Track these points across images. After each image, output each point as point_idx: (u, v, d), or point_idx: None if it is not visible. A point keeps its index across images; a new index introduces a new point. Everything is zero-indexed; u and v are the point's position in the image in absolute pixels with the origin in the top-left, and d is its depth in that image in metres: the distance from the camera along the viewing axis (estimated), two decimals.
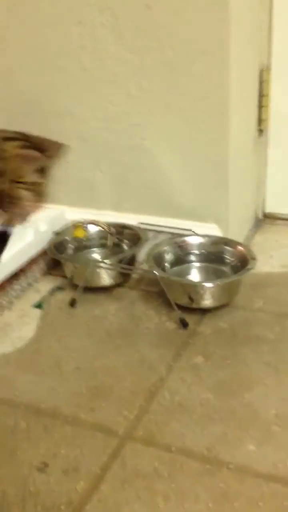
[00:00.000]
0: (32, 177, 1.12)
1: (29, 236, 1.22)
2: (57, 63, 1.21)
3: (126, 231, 1.26)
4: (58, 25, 1.17)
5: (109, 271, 1.16)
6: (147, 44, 1.11)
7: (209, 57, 1.07)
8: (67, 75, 1.21)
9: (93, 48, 1.16)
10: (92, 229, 1.28)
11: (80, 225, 1.26)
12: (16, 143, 1.07)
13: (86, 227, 1.27)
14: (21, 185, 1.06)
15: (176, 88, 1.12)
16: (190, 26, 1.06)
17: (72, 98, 1.23)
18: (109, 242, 1.25)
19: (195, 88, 1.11)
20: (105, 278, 1.17)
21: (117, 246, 1.26)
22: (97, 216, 1.30)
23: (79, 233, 1.27)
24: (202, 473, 0.77)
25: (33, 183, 1.10)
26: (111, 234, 1.24)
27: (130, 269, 1.17)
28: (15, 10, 1.19)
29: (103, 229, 1.25)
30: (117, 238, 1.26)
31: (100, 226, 1.25)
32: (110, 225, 1.27)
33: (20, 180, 1.07)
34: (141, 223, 1.25)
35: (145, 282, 1.21)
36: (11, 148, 1.07)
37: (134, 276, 1.21)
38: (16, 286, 1.20)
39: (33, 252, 1.23)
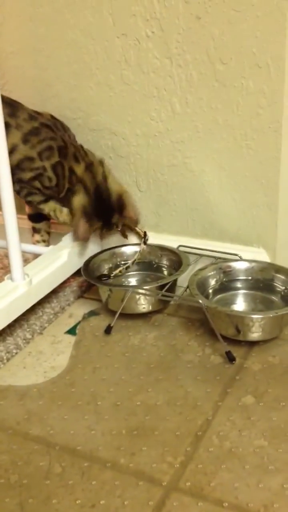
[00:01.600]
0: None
1: (63, 258, 1.16)
2: (97, 77, 1.15)
3: (166, 254, 1.19)
4: (100, 37, 1.11)
5: (148, 298, 1.09)
6: (196, 58, 1.04)
7: (262, 71, 1.00)
8: (106, 89, 1.16)
9: (136, 62, 1.10)
10: (129, 250, 1.22)
11: None
12: (82, 200, 1.14)
13: None
14: None
15: (225, 104, 1.06)
16: (243, 38, 1.00)
17: (110, 114, 1.17)
18: (139, 251, 1.18)
19: (246, 104, 1.04)
20: (144, 304, 1.10)
21: (156, 269, 1.19)
22: (135, 238, 1.23)
23: None
24: None
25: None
26: (144, 242, 1.18)
27: (171, 297, 1.09)
28: (54, 21, 1.15)
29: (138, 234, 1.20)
30: (155, 262, 1.20)
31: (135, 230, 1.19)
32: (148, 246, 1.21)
33: None
34: (182, 246, 1.18)
35: (184, 309, 1.14)
36: (76, 205, 1.08)
37: (173, 302, 1.14)
38: (48, 309, 1.14)
39: (66, 274, 1.17)
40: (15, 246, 1.02)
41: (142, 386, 0.94)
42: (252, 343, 1.02)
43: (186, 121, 1.10)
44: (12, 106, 1.12)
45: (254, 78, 1.02)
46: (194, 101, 1.08)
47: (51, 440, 0.84)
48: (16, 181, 1.11)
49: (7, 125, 1.07)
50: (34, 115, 1.14)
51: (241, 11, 0.98)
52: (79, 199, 1.13)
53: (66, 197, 1.15)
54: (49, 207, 1.17)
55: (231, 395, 0.91)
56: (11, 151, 1.09)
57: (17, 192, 1.15)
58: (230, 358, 0.97)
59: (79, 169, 1.13)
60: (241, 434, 0.83)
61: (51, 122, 1.16)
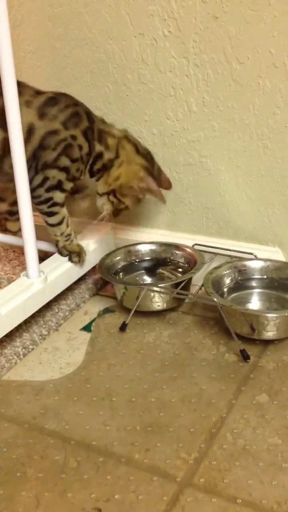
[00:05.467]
0: (127, 200, 1.11)
1: None
2: (114, 76, 1.16)
3: (181, 253, 1.20)
4: (117, 37, 1.12)
5: (162, 295, 1.09)
6: (212, 57, 1.05)
7: (279, 71, 1.00)
8: (123, 89, 1.16)
9: (154, 61, 1.11)
10: (144, 248, 1.23)
11: None
12: (143, 161, 1.11)
13: None
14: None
15: (241, 103, 1.06)
16: (260, 38, 1.00)
17: (127, 113, 1.18)
18: None
19: (263, 103, 1.04)
20: (158, 302, 1.10)
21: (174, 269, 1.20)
22: (150, 236, 1.24)
23: None
24: None
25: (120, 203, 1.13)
26: None
27: (186, 295, 1.10)
28: (72, 21, 1.16)
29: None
30: (169, 260, 1.20)
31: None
32: (163, 244, 1.21)
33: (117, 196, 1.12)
34: (197, 245, 1.19)
35: (199, 307, 1.14)
36: (138, 166, 1.05)
37: (188, 300, 1.15)
38: (64, 306, 1.15)
39: (82, 271, 1.18)
40: (30, 244, 1.03)
41: (157, 383, 0.95)
42: (267, 342, 1.02)
43: (202, 120, 1.11)
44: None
45: (271, 78, 1.02)
46: (210, 100, 1.08)
47: (67, 434, 0.85)
48: (41, 168, 1.01)
49: None
50: (40, 91, 1.04)
51: (258, 11, 0.99)
52: (139, 160, 1.08)
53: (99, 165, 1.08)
54: (61, 214, 1.09)
55: (245, 393, 0.91)
56: (29, 132, 0.99)
57: (39, 185, 1.04)
58: (245, 356, 0.98)
59: (115, 131, 1.09)
60: (255, 431, 0.83)
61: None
